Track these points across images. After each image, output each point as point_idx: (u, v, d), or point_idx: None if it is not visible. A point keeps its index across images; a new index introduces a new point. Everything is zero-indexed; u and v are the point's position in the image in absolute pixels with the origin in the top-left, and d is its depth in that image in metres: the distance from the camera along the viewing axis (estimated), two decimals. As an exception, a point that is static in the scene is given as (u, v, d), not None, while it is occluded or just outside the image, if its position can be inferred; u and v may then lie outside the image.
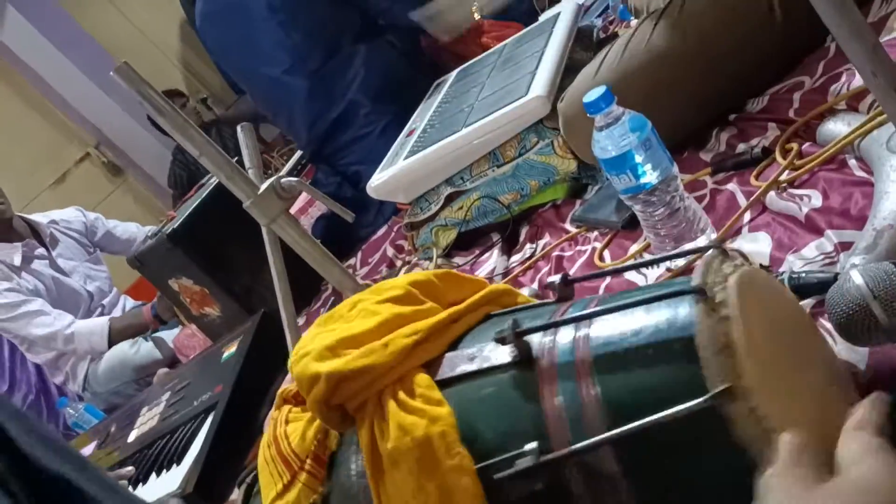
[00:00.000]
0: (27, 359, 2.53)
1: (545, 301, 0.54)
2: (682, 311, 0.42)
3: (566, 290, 0.52)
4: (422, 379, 0.48)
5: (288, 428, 0.51)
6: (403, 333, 0.49)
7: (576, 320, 0.45)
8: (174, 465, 1.14)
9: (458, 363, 0.48)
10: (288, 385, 0.54)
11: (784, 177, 0.79)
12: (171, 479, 1.10)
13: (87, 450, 1.46)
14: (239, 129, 0.93)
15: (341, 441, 0.50)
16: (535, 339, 0.46)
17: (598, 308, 0.45)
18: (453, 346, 0.51)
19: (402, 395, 0.46)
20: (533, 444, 0.42)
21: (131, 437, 1.34)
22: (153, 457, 1.20)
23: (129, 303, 2.49)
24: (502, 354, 0.46)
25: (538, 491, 0.42)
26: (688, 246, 0.79)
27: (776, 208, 0.77)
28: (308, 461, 0.49)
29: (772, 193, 0.79)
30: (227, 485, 1.05)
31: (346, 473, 0.49)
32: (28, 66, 3.83)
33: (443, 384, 0.48)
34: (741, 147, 0.90)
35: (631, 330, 0.43)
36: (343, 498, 0.49)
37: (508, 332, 0.45)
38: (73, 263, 2.42)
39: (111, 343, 2.24)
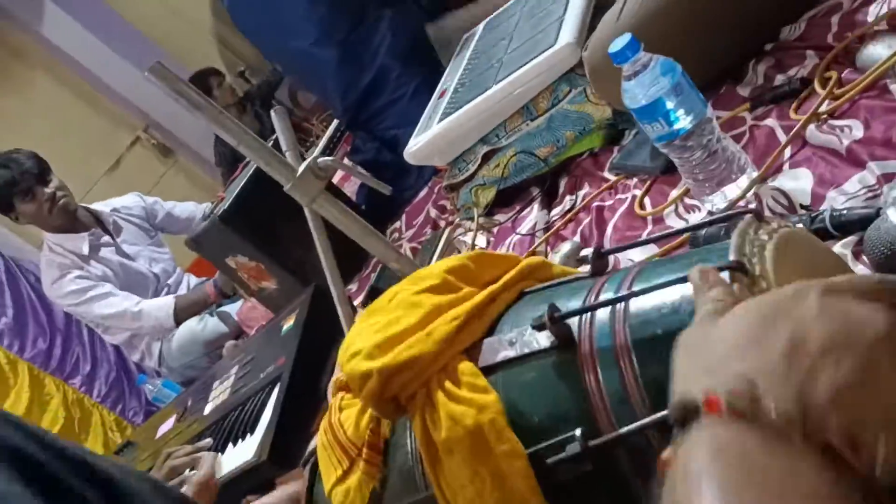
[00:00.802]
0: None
1: (580, 276, 0.54)
2: None
3: (600, 263, 0.52)
4: (466, 367, 0.48)
5: (342, 415, 0.53)
6: (444, 320, 0.49)
7: (612, 303, 0.45)
8: (248, 434, 1.20)
9: (500, 349, 0.49)
10: (341, 374, 0.56)
11: (824, 108, 0.77)
12: (247, 448, 1.16)
13: (168, 424, 1.55)
14: (273, 113, 0.95)
15: (394, 428, 0.52)
16: (574, 321, 0.46)
17: (634, 290, 0.45)
18: (491, 327, 0.51)
19: (448, 384, 0.47)
20: (580, 429, 0.43)
21: (207, 410, 1.41)
22: (228, 428, 1.27)
23: (193, 280, 2.59)
24: (542, 339, 0.47)
25: (588, 472, 0.43)
26: (726, 190, 0.78)
27: (817, 142, 0.75)
28: (364, 449, 0.51)
29: (812, 127, 0.76)
30: (297, 451, 1.11)
31: (403, 456, 0.51)
32: (70, 56, 3.90)
33: (486, 371, 0.49)
34: (779, 79, 0.87)
35: (669, 308, 0.43)
36: (401, 479, 0.51)
37: (546, 319, 0.45)
38: (137, 248, 2.51)
39: (178, 319, 2.34)
